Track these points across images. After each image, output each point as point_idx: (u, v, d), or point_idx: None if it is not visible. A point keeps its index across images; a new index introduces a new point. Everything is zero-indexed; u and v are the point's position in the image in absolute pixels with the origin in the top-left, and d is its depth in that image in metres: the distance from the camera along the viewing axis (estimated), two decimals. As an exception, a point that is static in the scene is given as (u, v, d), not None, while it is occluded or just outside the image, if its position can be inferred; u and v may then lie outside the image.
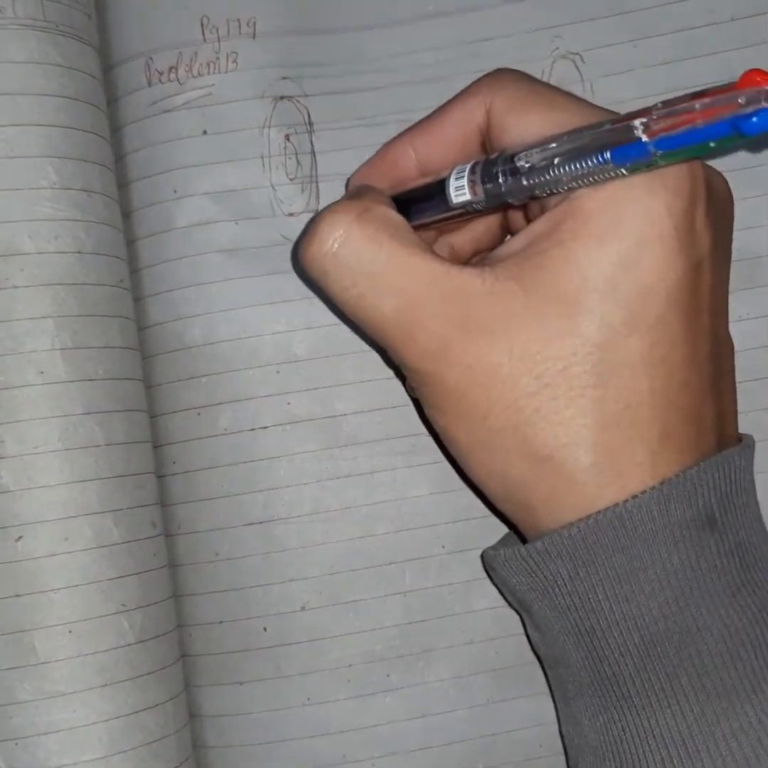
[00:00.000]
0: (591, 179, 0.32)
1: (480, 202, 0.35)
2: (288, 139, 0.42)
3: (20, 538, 0.37)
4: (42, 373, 0.38)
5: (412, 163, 0.37)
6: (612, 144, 0.30)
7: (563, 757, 0.42)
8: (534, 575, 0.35)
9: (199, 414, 0.41)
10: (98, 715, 0.38)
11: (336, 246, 0.33)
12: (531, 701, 0.42)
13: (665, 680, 0.33)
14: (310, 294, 0.42)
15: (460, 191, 0.35)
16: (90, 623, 0.38)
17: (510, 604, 0.41)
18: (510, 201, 0.34)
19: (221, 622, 0.42)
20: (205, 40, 0.42)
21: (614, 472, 0.33)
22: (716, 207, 0.34)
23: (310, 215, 0.42)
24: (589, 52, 0.42)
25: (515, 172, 0.33)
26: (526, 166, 0.33)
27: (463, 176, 0.35)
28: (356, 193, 0.36)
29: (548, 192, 0.33)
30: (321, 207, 0.42)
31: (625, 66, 0.42)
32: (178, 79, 0.42)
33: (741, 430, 0.38)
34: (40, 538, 0.37)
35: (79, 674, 0.38)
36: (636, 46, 0.42)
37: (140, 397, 0.41)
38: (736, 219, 0.41)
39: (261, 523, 0.41)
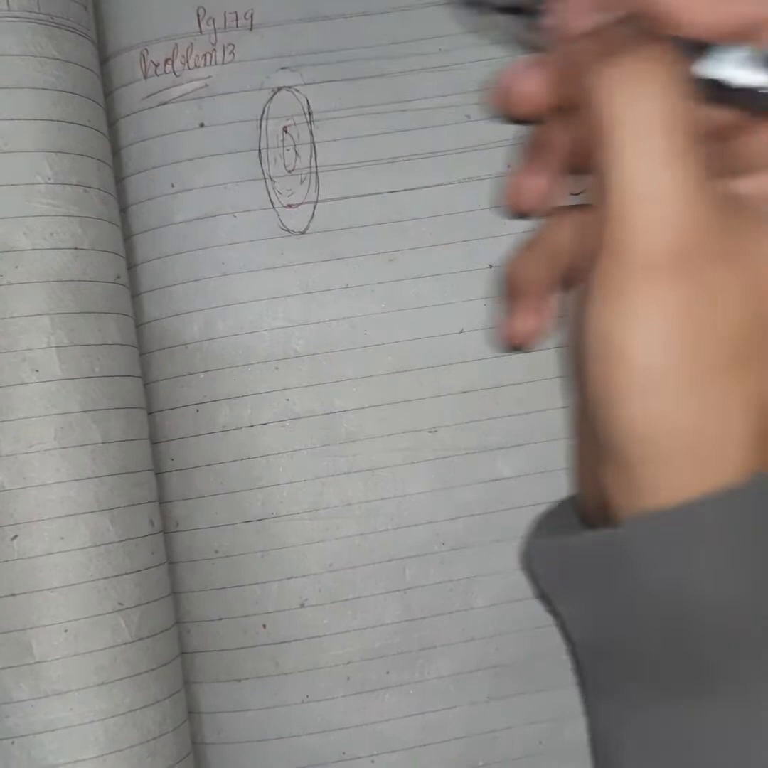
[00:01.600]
0: None
1: None
2: (286, 131, 0.42)
3: (16, 537, 0.38)
4: (37, 371, 0.38)
5: None
6: None
7: (561, 754, 0.43)
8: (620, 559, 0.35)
9: (197, 410, 0.42)
10: (95, 714, 0.38)
11: None
12: (530, 698, 0.43)
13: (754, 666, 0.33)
14: (310, 288, 0.42)
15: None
16: (86, 622, 0.38)
17: (541, 597, 0.40)
18: None
19: (220, 620, 0.42)
20: (201, 31, 0.42)
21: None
22: None
23: (310, 206, 0.42)
24: (592, 45, 0.42)
25: None
26: None
27: None
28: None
29: None
30: (320, 198, 0.42)
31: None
32: (174, 71, 0.42)
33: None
34: (36, 537, 0.38)
35: (75, 673, 0.38)
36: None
37: (138, 394, 0.41)
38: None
39: (260, 520, 0.42)
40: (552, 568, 0.38)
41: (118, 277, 0.40)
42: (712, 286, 0.32)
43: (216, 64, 0.42)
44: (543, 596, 0.41)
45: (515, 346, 0.41)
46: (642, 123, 0.33)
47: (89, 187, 0.39)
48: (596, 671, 0.39)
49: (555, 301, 0.40)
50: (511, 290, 0.38)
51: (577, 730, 0.42)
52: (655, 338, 0.31)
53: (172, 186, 0.42)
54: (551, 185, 0.39)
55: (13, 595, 0.37)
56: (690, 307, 0.32)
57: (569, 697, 0.42)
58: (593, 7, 0.35)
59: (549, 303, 0.39)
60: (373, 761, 0.42)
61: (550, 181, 0.39)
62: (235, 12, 0.42)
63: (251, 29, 0.42)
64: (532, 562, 0.39)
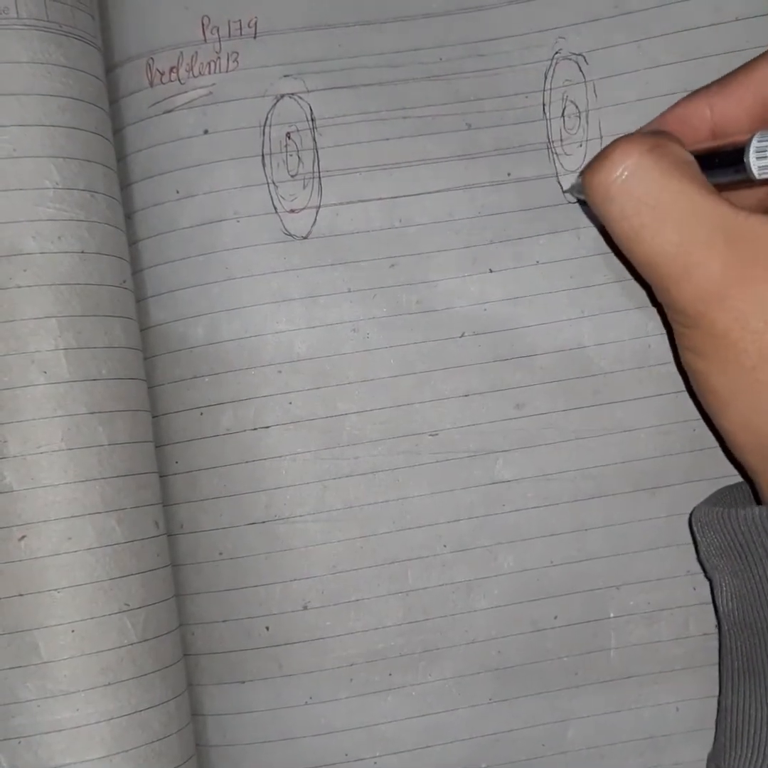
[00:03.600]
0: None
1: None
2: (289, 137, 0.43)
3: (23, 537, 0.38)
4: (45, 372, 0.38)
5: (705, 123, 0.37)
6: None
7: (564, 757, 0.43)
8: None
9: (201, 414, 0.42)
10: (101, 714, 0.39)
11: (626, 174, 0.34)
12: (533, 700, 0.43)
13: None
14: (313, 293, 0.43)
15: (763, 158, 0.34)
16: (93, 622, 0.39)
17: (704, 568, 0.41)
18: None
19: (223, 621, 0.42)
20: (205, 40, 0.43)
21: None
22: None
23: (312, 211, 0.43)
24: (592, 53, 0.43)
25: None
26: None
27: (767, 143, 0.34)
28: (650, 131, 0.36)
29: None
30: (323, 203, 0.43)
31: (629, 67, 0.43)
32: (178, 79, 0.42)
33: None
34: (44, 538, 0.38)
35: (81, 673, 0.38)
36: (639, 46, 0.43)
37: (143, 397, 0.41)
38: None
39: (263, 522, 0.42)
40: (709, 535, 0.39)
41: (124, 281, 0.41)
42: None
43: (220, 72, 0.43)
44: (700, 562, 0.42)
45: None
46: (619, 206, 0.35)
47: (96, 192, 0.40)
48: (736, 645, 0.39)
49: None
50: None
51: (580, 732, 0.43)
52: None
53: (177, 192, 0.42)
54: None
55: (20, 595, 0.38)
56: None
57: (572, 699, 0.43)
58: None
59: None
60: (375, 763, 0.43)
61: None
62: (239, 20, 0.43)
63: (255, 37, 0.43)
64: (700, 527, 0.40)
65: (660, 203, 0.34)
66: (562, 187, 0.43)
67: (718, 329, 0.34)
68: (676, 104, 0.39)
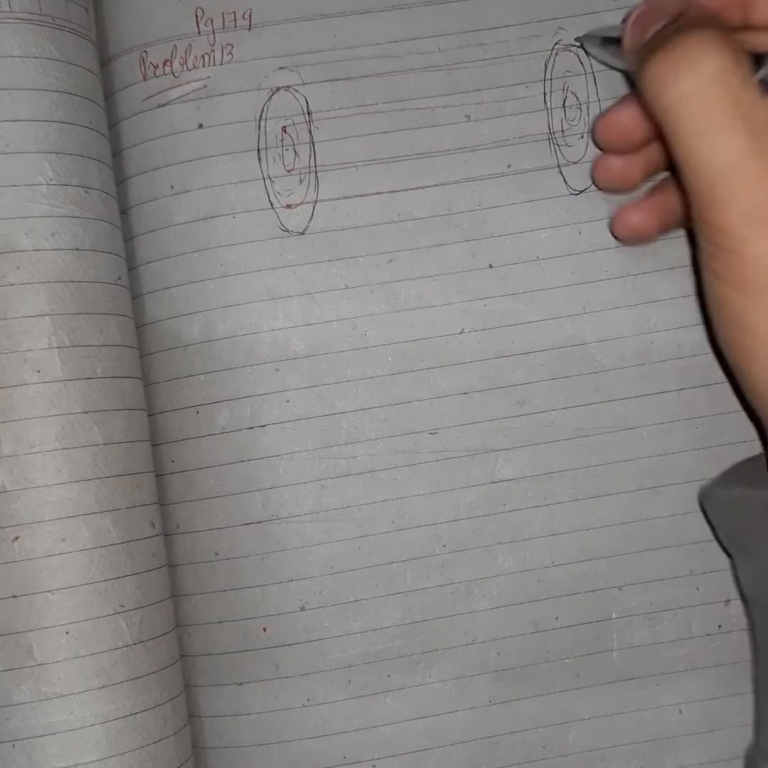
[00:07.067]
0: None
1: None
2: (285, 131, 0.43)
3: (17, 538, 0.39)
4: (39, 371, 0.39)
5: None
6: None
7: (564, 759, 0.44)
8: None
9: (197, 412, 0.43)
10: (96, 717, 0.39)
11: (705, 73, 0.34)
12: (533, 702, 0.43)
13: None
14: (310, 289, 0.43)
15: None
16: (88, 624, 0.39)
17: (722, 545, 0.42)
18: None
19: (220, 622, 0.43)
20: (199, 32, 0.43)
21: None
22: None
23: (309, 206, 0.43)
24: (591, 45, 0.44)
25: None
26: None
27: None
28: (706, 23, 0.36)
29: None
30: (319, 198, 0.43)
31: (628, 60, 0.43)
32: (172, 73, 0.43)
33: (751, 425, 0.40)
34: (38, 539, 0.39)
35: (76, 676, 0.39)
36: (638, 40, 0.43)
37: (139, 396, 0.42)
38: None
39: (260, 522, 0.43)
40: (729, 517, 0.39)
41: (119, 278, 0.42)
42: None
43: (214, 64, 0.43)
44: (720, 545, 0.42)
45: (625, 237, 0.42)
46: (691, 100, 0.35)
47: (90, 188, 0.41)
48: (758, 623, 0.39)
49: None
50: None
51: (581, 734, 0.43)
52: None
53: (172, 187, 0.43)
54: (650, 221, 0.41)
55: (14, 596, 0.38)
56: None
57: (573, 701, 0.43)
58: (646, 19, 0.37)
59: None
60: (374, 765, 0.43)
61: (649, 218, 0.41)
62: (234, 12, 0.43)
63: (249, 29, 0.43)
64: (712, 509, 0.40)
65: (735, 110, 0.34)
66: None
67: (757, 253, 0.34)
68: None
